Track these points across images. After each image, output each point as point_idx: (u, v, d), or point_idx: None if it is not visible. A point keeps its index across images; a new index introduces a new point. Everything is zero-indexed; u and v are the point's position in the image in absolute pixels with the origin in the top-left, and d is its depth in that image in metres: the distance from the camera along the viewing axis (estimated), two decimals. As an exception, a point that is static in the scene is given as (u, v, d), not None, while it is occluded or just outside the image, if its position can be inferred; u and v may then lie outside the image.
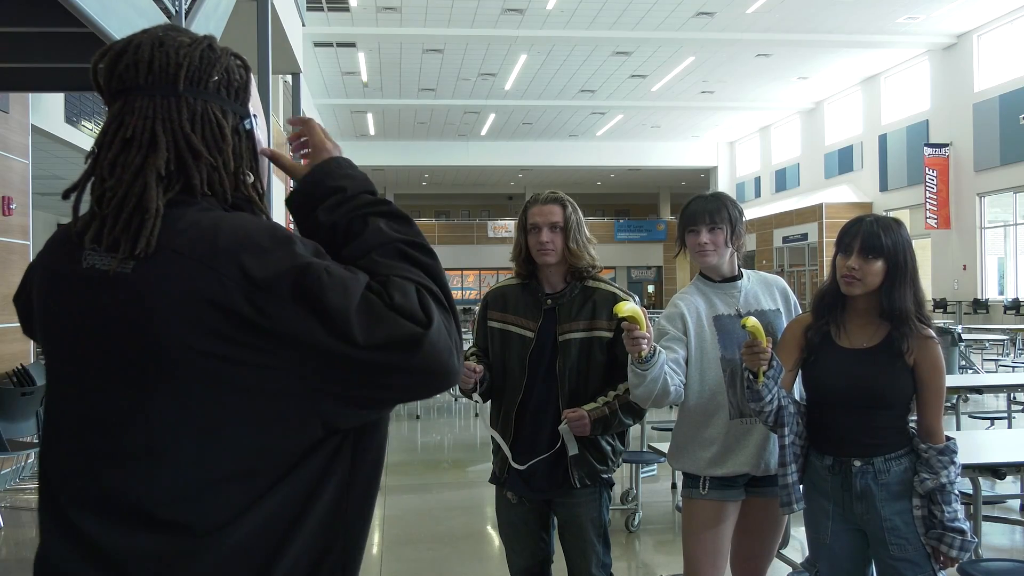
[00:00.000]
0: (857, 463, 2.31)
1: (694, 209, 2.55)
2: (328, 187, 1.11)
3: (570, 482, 2.54)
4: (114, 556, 0.99)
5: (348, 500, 1.05)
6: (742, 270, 2.62)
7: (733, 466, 2.47)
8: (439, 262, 1.09)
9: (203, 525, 0.97)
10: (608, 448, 2.60)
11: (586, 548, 2.58)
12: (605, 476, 2.60)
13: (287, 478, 1.00)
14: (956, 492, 2.26)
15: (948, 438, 2.29)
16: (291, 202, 1.14)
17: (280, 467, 1.00)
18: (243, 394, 0.98)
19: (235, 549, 0.98)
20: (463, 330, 1.15)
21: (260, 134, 1.17)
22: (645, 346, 2.23)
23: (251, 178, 1.14)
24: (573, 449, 2.51)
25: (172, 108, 1.06)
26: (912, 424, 2.35)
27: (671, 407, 2.82)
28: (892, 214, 18.54)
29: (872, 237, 2.28)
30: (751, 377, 2.25)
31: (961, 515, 2.24)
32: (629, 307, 2.18)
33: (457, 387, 2.63)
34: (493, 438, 2.65)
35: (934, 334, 2.32)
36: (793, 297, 2.66)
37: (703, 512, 2.51)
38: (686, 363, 2.48)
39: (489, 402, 2.73)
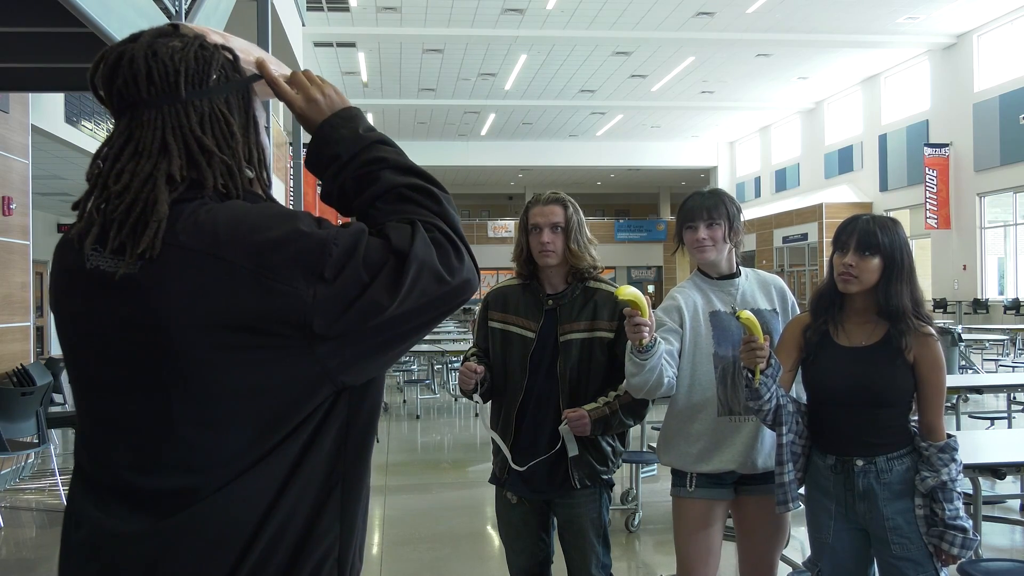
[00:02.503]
0: (859, 463, 2.30)
1: (692, 205, 2.55)
2: (326, 156, 1.14)
3: (570, 483, 2.54)
4: (123, 526, 1.02)
5: (346, 445, 1.07)
6: (740, 268, 2.61)
7: (719, 463, 2.46)
8: (445, 203, 1.11)
9: (209, 488, 1.00)
10: (608, 449, 2.60)
11: (586, 549, 2.57)
12: (605, 477, 2.59)
13: (291, 434, 1.02)
14: (958, 490, 2.25)
15: (949, 436, 2.29)
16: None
17: (288, 428, 1.02)
18: (257, 380, 0.99)
19: (238, 501, 1.00)
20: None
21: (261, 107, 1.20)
22: (647, 334, 2.23)
23: (253, 173, 1.14)
24: (573, 450, 2.51)
25: (180, 114, 1.06)
26: (913, 423, 2.35)
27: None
28: (892, 214, 18.57)
29: (868, 235, 2.28)
30: (749, 376, 2.25)
31: (963, 513, 2.24)
32: (630, 290, 2.18)
33: (458, 388, 2.63)
34: (493, 439, 2.65)
35: (933, 331, 2.32)
36: (791, 298, 2.65)
37: (692, 512, 2.51)
38: (679, 356, 2.48)
39: (489, 403, 2.73)
